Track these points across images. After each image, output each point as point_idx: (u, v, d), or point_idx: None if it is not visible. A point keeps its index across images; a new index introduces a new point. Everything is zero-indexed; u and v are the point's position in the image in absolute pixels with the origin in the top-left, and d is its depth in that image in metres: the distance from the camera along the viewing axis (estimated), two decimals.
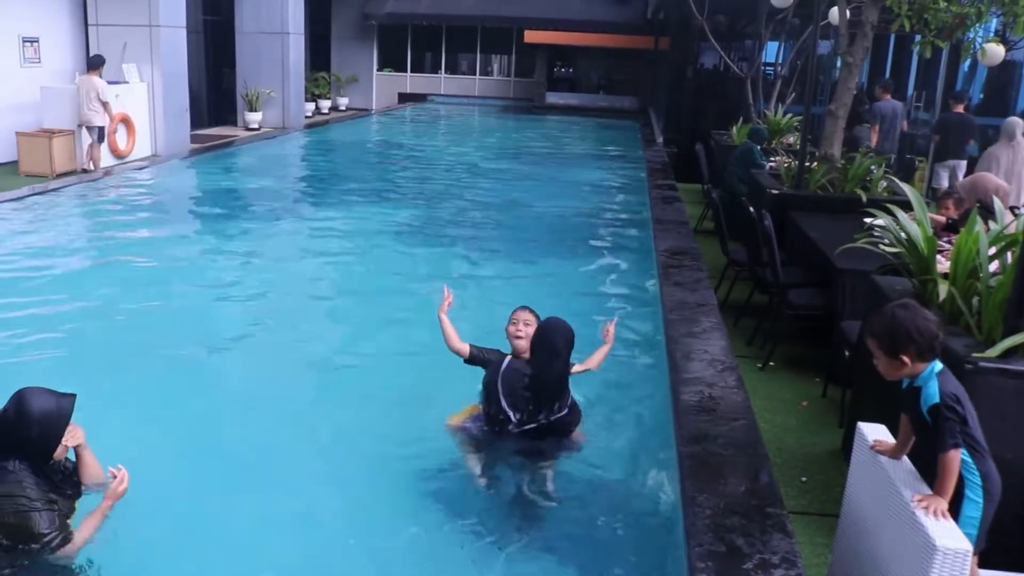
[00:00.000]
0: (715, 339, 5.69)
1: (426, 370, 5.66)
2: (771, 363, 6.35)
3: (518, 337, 4.69)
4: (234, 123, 20.99)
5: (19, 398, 3.39)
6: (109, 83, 14.55)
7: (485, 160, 17.17)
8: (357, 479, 4.54)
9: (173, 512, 3.97)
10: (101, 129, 13.40)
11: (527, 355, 4.65)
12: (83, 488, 3.65)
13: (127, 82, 14.80)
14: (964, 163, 11.95)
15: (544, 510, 4.29)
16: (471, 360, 4.79)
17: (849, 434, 4.73)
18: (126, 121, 14.56)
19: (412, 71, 29.91)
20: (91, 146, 13.40)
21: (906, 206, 5.25)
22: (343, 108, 27.81)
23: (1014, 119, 10.01)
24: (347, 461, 4.73)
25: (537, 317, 4.77)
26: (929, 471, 3.05)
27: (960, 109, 12.14)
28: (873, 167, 8.51)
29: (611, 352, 4.90)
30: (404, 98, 29.64)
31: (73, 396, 3.48)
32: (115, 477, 3.52)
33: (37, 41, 14.78)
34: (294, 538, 3.99)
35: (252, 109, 20.35)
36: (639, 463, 4.65)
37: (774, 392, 5.87)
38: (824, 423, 5.42)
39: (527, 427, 4.58)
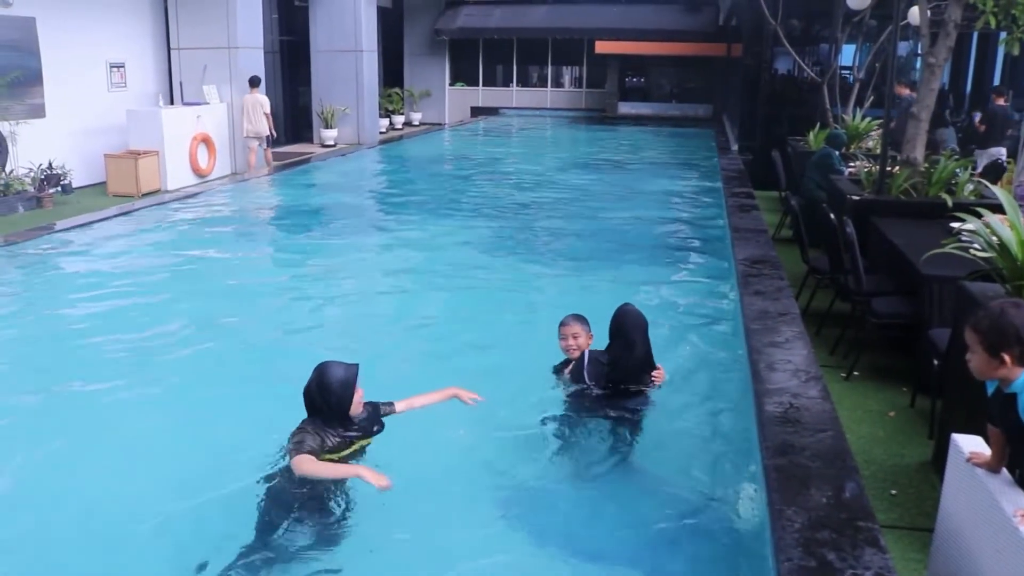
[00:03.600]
0: (798, 349, 5.57)
1: (508, 377, 5.69)
2: (855, 373, 6.21)
3: (570, 350, 4.99)
4: (310, 140, 21.40)
5: (321, 371, 3.95)
6: (189, 104, 15.13)
7: (559, 171, 17.17)
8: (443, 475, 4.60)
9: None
10: (268, 136, 15.76)
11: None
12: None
13: (207, 103, 15.24)
14: (1004, 150, 12.40)
15: (625, 527, 4.24)
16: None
17: (940, 446, 4.60)
18: (207, 141, 15.01)
19: (484, 85, 30.09)
20: (264, 151, 16.09)
21: (995, 209, 5.08)
22: (416, 123, 28.13)
23: None
24: (435, 462, 4.77)
25: (584, 323, 5.00)
26: None
27: (1001, 102, 13.13)
28: (958, 170, 8.28)
29: (694, 362, 4.89)
30: (476, 112, 29.84)
31: (357, 365, 4.03)
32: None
33: (123, 66, 15.31)
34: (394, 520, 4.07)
35: (327, 126, 20.72)
36: (723, 475, 4.59)
37: (859, 402, 5.73)
38: (912, 434, 5.27)
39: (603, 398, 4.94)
